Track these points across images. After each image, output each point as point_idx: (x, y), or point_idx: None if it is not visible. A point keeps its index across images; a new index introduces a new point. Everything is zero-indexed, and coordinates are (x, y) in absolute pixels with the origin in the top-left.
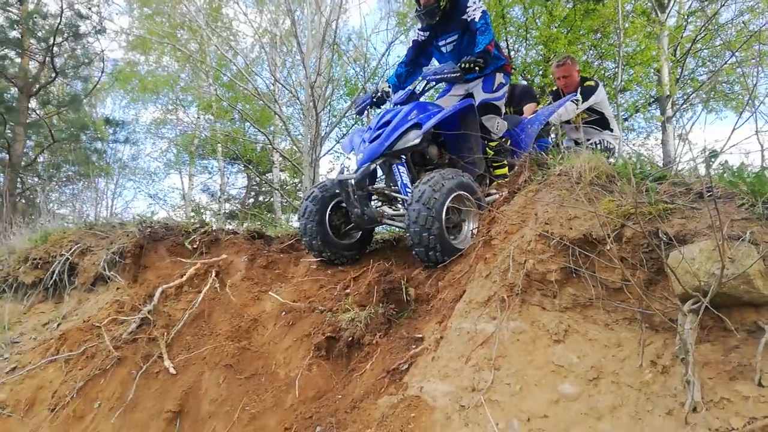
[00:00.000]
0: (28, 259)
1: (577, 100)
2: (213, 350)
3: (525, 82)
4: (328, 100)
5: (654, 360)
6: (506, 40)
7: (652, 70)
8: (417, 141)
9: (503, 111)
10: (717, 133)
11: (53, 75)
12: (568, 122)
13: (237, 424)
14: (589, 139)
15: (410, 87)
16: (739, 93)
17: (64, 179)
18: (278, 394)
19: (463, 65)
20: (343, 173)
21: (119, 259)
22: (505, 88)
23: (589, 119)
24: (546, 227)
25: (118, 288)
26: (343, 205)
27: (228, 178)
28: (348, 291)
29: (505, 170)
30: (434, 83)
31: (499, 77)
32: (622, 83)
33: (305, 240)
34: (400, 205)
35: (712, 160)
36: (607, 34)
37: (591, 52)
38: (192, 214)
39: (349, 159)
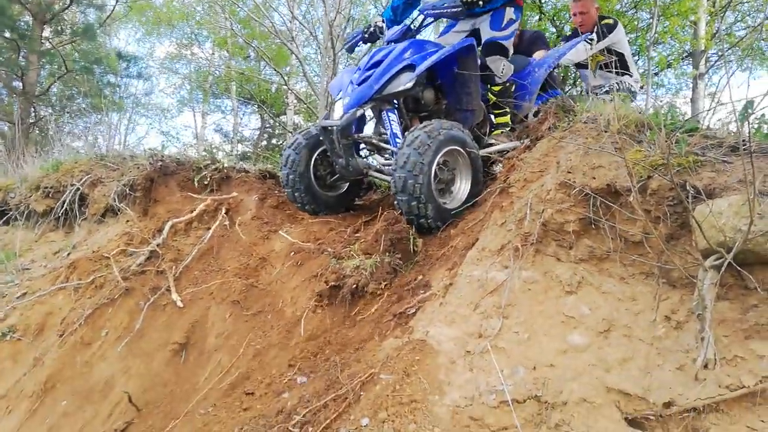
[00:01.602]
0: (39, 188)
1: (591, 40)
2: (220, 286)
3: (535, 30)
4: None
5: (668, 315)
6: None
7: (689, 23)
8: (410, 84)
9: (510, 52)
10: (749, 94)
11: (67, 2)
12: (584, 66)
13: (242, 357)
14: (607, 85)
15: (406, 22)
16: None
17: (77, 111)
18: (284, 331)
19: None
20: (327, 119)
21: (129, 192)
22: (515, 26)
23: (605, 61)
24: (568, 176)
25: (127, 220)
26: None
27: (241, 119)
28: (358, 235)
29: (507, 118)
30: (433, 19)
31: (509, 12)
32: (656, 35)
33: (287, 191)
34: (389, 156)
35: (749, 110)
36: None
37: (625, 0)
38: (204, 153)
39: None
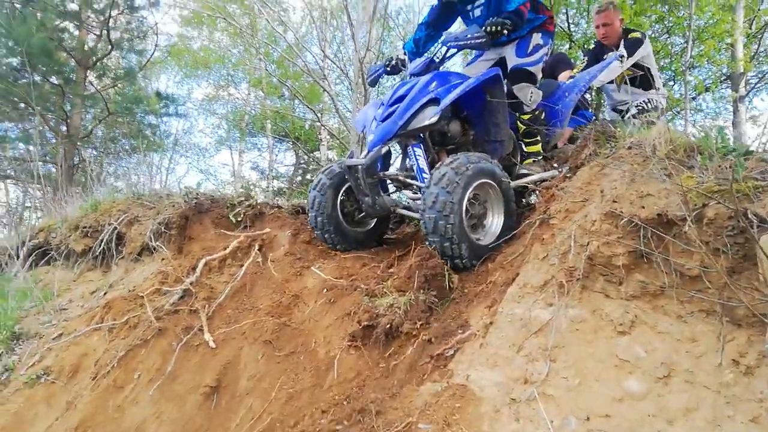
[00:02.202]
0: (78, 227)
1: (622, 56)
2: (253, 325)
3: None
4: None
5: (735, 359)
6: (566, 13)
7: (725, 45)
8: (435, 119)
9: (539, 78)
10: None
11: (109, 48)
12: (610, 82)
13: (274, 402)
14: (634, 101)
15: (428, 55)
16: None
17: (120, 152)
18: (316, 374)
19: (488, 28)
20: (352, 157)
21: (165, 230)
22: (544, 50)
23: (632, 76)
24: (614, 205)
25: (163, 258)
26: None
27: (276, 156)
28: (392, 270)
29: (538, 147)
30: (456, 50)
31: (536, 38)
32: (692, 59)
33: (317, 233)
34: (417, 191)
35: None
36: (677, 5)
37: (656, 26)
38: (242, 190)
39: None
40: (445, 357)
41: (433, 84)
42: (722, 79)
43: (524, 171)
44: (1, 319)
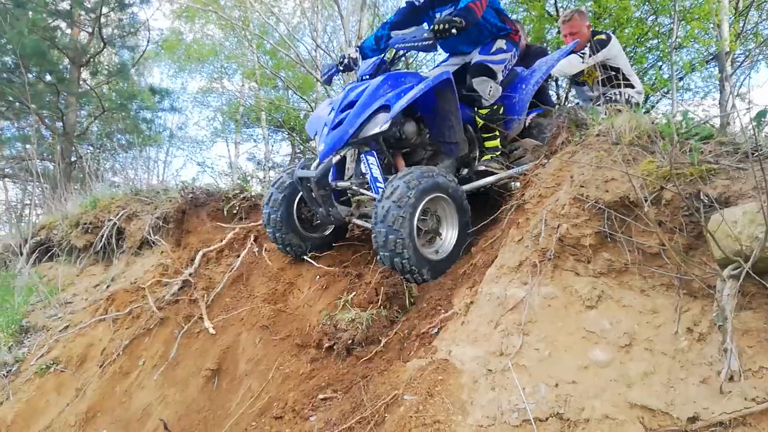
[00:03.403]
0: (79, 224)
1: (583, 54)
2: (250, 312)
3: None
4: None
5: (690, 327)
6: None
7: (711, 25)
8: (386, 127)
9: (499, 77)
10: None
11: (102, 45)
12: (582, 84)
13: (271, 382)
14: (606, 94)
15: (378, 56)
16: None
17: (117, 148)
18: (311, 355)
19: (436, 26)
20: (305, 166)
21: (163, 224)
22: (506, 56)
23: (604, 77)
24: (581, 190)
25: (162, 251)
26: None
27: (272, 146)
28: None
29: (496, 142)
30: (404, 52)
31: (500, 43)
32: (678, 40)
33: (269, 232)
34: (371, 203)
35: (763, 119)
36: None
37: (645, 6)
38: (239, 181)
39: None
40: (430, 335)
41: (384, 87)
42: (709, 58)
43: (482, 168)
44: (9, 314)
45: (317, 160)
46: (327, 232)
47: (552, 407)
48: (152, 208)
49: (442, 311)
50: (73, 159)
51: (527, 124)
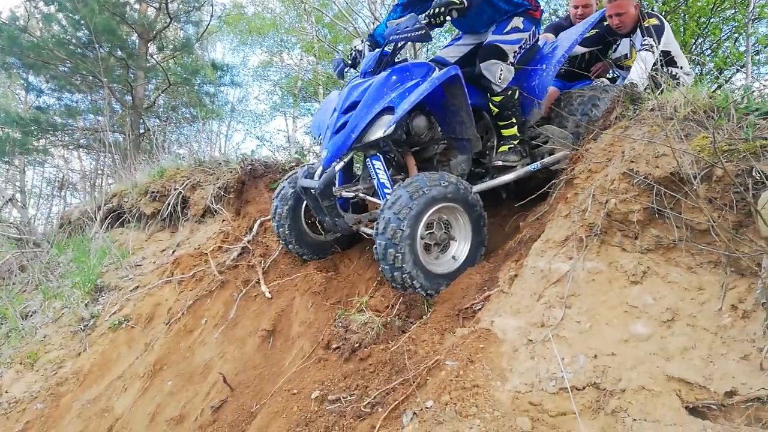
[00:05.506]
0: (147, 192)
1: (650, 46)
2: (303, 278)
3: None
4: None
5: (735, 304)
6: None
7: None
8: (390, 130)
9: (510, 58)
10: None
11: (168, 20)
12: (621, 67)
13: (322, 343)
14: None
15: (377, 50)
16: None
17: (181, 120)
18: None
19: (431, 11)
20: (307, 177)
21: (224, 194)
22: (523, 35)
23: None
24: (631, 165)
25: (223, 220)
26: None
27: None
28: None
29: (513, 130)
30: (402, 44)
31: (516, 21)
32: (756, 10)
33: (282, 242)
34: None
35: None
36: None
37: None
38: (296, 155)
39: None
40: (474, 310)
41: (389, 83)
42: None
43: (499, 163)
44: (85, 274)
45: (321, 167)
46: (339, 235)
47: (589, 377)
48: (214, 178)
49: (486, 289)
50: (141, 131)
51: (558, 98)
